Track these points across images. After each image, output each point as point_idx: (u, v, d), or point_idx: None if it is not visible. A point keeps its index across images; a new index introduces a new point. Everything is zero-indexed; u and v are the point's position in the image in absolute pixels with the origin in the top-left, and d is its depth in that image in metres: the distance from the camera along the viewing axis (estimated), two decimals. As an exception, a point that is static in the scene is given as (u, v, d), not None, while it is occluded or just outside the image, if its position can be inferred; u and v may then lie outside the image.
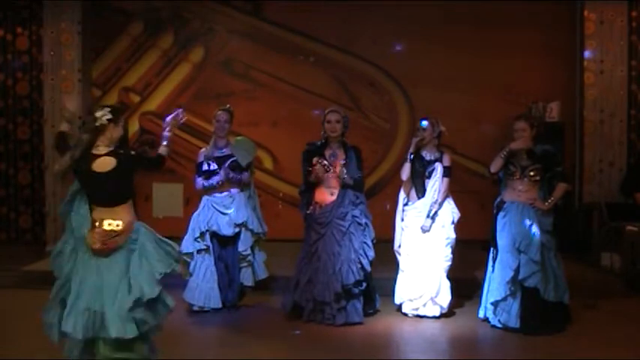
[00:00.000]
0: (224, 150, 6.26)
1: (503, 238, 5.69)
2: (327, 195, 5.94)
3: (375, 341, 5.47)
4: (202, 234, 6.15)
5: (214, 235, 6.18)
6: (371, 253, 5.92)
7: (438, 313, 5.99)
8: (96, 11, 9.08)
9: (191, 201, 7.73)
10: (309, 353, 5.17)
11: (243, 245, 6.17)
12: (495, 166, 5.73)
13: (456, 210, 6.10)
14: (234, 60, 9.25)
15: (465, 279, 6.54)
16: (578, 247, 7.91)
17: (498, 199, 5.84)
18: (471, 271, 6.79)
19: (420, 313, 6.01)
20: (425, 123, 6.05)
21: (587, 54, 8.42)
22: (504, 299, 5.62)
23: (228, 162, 6.20)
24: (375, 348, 5.32)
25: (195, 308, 6.14)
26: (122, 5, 9.25)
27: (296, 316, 5.88)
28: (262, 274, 6.33)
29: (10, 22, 9.08)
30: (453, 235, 6.04)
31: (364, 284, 5.89)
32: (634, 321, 6.03)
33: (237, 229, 6.15)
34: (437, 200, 5.98)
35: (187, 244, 6.17)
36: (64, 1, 8.63)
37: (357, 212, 5.93)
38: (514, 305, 5.61)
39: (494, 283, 5.69)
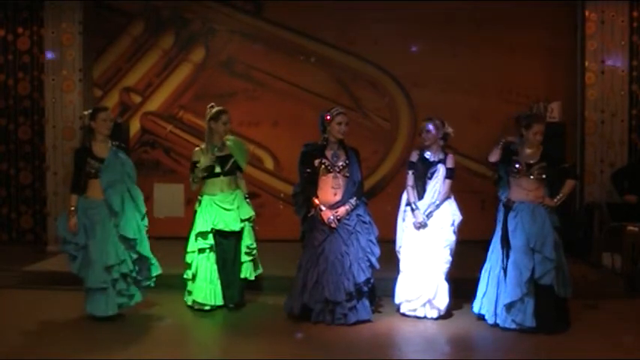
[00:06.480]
0: (223, 149, 6.24)
1: (516, 239, 5.63)
2: (330, 195, 5.93)
3: (376, 341, 5.46)
4: (206, 233, 6.16)
5: (216, 234, 6.18)
6: (377, 251, 5.93)
7: (435, 315, 5.98)
8: (97, 11, 9.09)
9: (192, 201, 7.70)
10: (310, 353, 5.17)
11: (250, 239, 6.22)
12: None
13: (457, 213, 6.05)
14: (235, 60, 9.25)
15: (465, 279, 6.52)
16: (578, 247, 7.89)
17: (504, 199, 5.78)
18: (471, 271, 6.77)
19: (418, 314, 5.99)
20: (430, 126, 6.03)
21: (589, 54, 8.40)
22: (520, 299, 5.57)
23: (231, 162, 6.22)
24: (376, 348, 5.31)
25: (207, 308, 6.14)
26: (123, 5, 9.24)
27: (304, 318, 5.84)
28: (259, 269, 6.37)
29: (11, 22, 9.08)
30: (453, 238, 6.00)
31: (372, 281, 5.90)
32: (635, 321, 6.03)
33: (242, 224, 6.18)
34: (435, 201, 5.98)
35: (191, 244, 6.21)
36: (64, 1, 8.64)
37: (360, 211, 5.95)
38: (529, 304, 5.57)
39: (509, 285, 5.62)
